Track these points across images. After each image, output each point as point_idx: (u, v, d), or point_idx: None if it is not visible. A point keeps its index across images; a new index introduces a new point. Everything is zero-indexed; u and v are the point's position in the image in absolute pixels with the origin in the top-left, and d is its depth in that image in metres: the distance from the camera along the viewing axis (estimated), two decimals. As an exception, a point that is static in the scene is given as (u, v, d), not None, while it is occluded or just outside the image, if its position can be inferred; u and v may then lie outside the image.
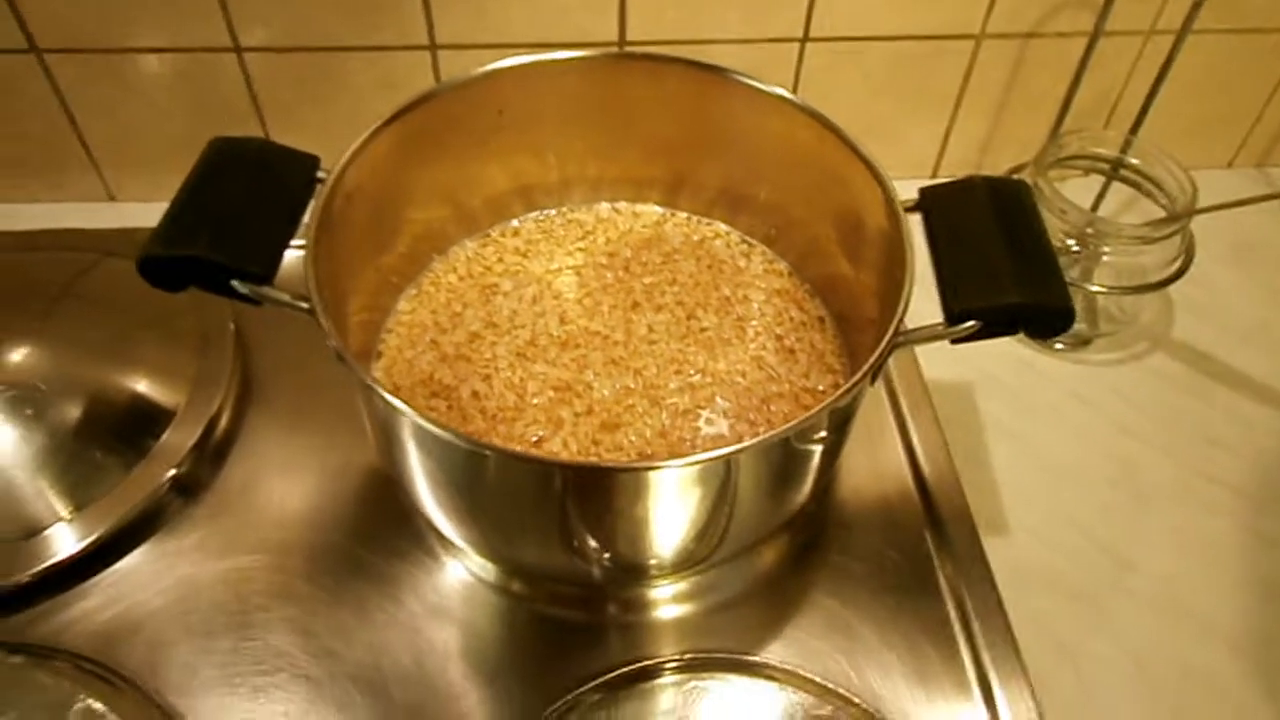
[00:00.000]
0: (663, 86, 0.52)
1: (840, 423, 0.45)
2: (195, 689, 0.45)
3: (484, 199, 0.56)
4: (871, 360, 0.39)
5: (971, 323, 0.41)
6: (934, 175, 0.74)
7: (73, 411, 0.52)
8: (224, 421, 0.55)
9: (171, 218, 0.42)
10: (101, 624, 0.47)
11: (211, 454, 0.54)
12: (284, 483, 0.53)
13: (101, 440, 0.52)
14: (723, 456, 0.36)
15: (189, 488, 0.52)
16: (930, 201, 0.45)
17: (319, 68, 0.62)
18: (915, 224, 0.45)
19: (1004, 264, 0.42)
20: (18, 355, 0.52)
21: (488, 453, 0.38)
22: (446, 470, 0.41)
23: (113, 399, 0.54)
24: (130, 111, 0.63)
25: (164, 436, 0.53)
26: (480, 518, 0.44)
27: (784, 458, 0.42)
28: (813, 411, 0.38)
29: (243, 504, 0.52)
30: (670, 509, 0.40)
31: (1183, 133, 0.71)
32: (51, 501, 0.49)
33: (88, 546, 0.48)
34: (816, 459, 0.44)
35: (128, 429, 0.53)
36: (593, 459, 0.45)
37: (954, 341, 0.42)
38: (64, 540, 0.48)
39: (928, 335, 0.42)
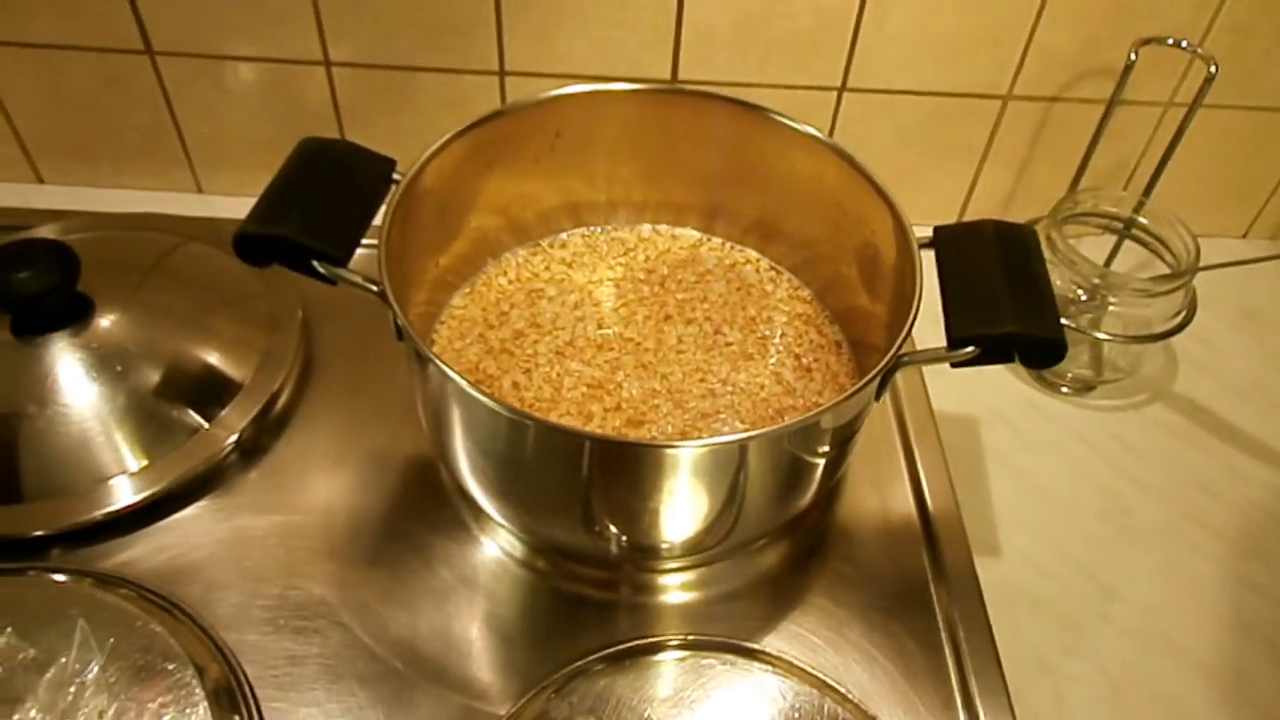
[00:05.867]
0: (707, 121, 0.58)
1: (844, 437, 0.49)
2: (243, 626, 0.50)
3: (536, 212, 0.61)
4: (875, 370, 0.43)
5: (970, 348, 0.45)
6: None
7: (152, 375, 0.57)
8: (285, 397, 0.60)
9: (266, 201, 0.47)
10: (162, 563, 0.52)
11: (271, 425, 0.59)
12: (334, 457, 0.58)
13: (175, 402, 0.58)
14: (733, 442, 0.41)
15: (248, 453, 0.58)
16: (943, 240, 0.50)
17: (397, 84, 0.68)
18: (929, 260, 0.49)
19: (1003, 297, 0.46)
20: (109, 320, 0.58)
21: (528, 422, 0.42)
22: (488, 440, 0.46)
23: (188, 367, 0.59)
24: (225, 112, 0.69)
25: (230, 405, 0.58)
26: (514, 489, 0.49)
27: (790, 460, 0.46)
28: (819, 410, 0.42)
29: (295, 471, 0.57)
30: (683, 488, 0.44)
31: (1199, 202, 0.75)
32: (125, 453, 0.55)
33: (153, 495, 0.54)
34: (820, 467, 0.48)
35: (199, 395, 0.59)
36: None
37: (954, 365, 0.46)
38: (132, 488, 0.53)
39: (930, 357, 0.46)
